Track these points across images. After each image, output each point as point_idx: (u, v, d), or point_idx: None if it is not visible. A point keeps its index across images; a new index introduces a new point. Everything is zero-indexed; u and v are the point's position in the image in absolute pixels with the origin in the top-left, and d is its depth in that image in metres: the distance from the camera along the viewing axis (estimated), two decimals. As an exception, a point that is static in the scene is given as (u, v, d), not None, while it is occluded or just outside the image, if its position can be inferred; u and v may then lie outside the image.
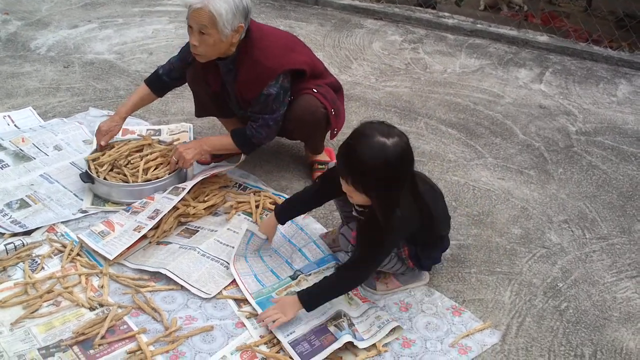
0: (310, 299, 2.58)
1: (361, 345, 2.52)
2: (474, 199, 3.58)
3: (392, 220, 2.44)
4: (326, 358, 2.47)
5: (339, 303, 2.69)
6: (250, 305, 2.74)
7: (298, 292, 2.60)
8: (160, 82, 3.54)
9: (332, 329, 2.57)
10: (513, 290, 2.93)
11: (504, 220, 3.41)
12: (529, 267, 3.08)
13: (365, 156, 2.35)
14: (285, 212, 2.91)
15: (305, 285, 2.80)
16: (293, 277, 2.88)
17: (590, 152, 4.10)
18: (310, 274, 2.89)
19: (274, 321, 2.55)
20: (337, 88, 3.54)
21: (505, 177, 3.80)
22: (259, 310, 2.67)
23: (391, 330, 2.61)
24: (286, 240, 3.11)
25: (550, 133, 4.33)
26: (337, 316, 2.62)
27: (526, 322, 2.76)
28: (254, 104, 3.27)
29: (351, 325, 2.60)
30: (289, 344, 2.51)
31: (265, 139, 3.37)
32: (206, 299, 2.77)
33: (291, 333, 2.56)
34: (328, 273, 2.87)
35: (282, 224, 2.93)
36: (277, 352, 2.52)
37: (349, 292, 2.76)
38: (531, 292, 2.93)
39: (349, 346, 2.54)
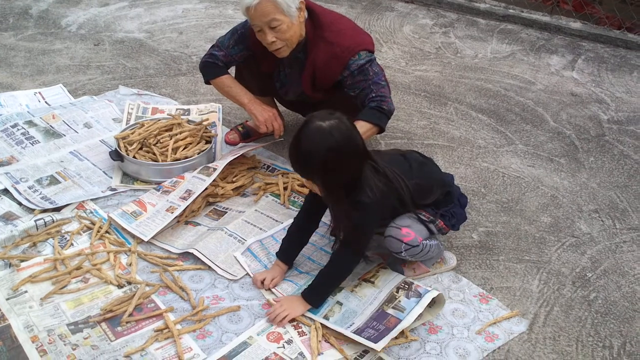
0: (313, 294, 2.61)
1: (427, 300, 2.53)
2: (504, 185, 3.55)
3: (362, 201, 2.46)
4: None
5: (389, 282, 2.70)
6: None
7: (302, 292, 2.61)
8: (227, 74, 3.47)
9: (390, 311, 2.55)
10: (541, 279, 2.91)
11: (534, 208, 3.38)
12: (557, 256, 3.06)
13: (303, 142, 2.40)
14: (287, 252, 2.84)
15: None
16: None
17: (622, 142, 4.05)
18: None
19: (284, 318, 2.56)
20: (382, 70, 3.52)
21: (536, 164, 3.76)
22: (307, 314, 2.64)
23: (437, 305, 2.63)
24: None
25: (581, 121, 4.28)
26: (391, 298, 2.61)
27: (554, 311, 2.73)
28: (351, 82, 3.23)
29: (410, 285, 2.63)
30: (354, 333, 2.49)
31: (391, 99, 3.30)
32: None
33: (351, 325, 2.54)
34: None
35: (290, 266, 2.86)
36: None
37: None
38: (560, 281, 2.90)
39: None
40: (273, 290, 2.74)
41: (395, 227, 2.66)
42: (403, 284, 2.65)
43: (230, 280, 2.78)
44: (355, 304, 2.63)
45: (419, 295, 2.57)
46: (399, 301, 2.58)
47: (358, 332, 2.49)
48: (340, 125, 2.40)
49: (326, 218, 2.91)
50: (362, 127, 3.10)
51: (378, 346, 2.39)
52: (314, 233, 2.92)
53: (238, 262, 2.87)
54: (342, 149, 2.39)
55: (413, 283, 2.65)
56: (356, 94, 3.24)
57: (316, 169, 2.41)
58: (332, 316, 2.60)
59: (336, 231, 2.67)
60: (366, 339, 2.44)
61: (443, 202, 2.79)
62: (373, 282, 2.72)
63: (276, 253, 2.84)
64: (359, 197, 2.46)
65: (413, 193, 2.62)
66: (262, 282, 2.75)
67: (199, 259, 2.86)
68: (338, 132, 2.37)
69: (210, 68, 3.43)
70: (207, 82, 3.50)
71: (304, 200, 2.88)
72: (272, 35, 3.06)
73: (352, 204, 2.47)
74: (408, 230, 2.65)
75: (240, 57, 3.40)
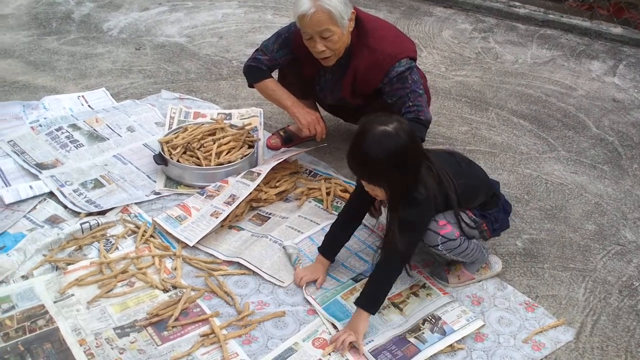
0: (369, 301, 2.54)
1: (451, 340, 2.52)
2: (547, 192, 3.52)
3: (415, 198, 2.43)
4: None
5: (417, 312, 2.66)
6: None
7: (355, 302, 2.55)
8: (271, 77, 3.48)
9: (412, 340, 2.53)
10: (587, 288, 2.88)
11: (578, 215, 3.35)
12: (603, 264, 3.03)
13: (370, 148, 2.33)
14: (330, 247, 2.85)
15: None
16: (355, 280, 2.84)
17: (666, 149, 4.01)
18: None
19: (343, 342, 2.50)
20: (423, 75, 3.51)
21: (579, 171, 3.73)
22: (330, 319, 2.63)
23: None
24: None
25: (624, 127, 4.23)
26: (416, 328, 2.58)
27: (601, 320, 2.71)
28: (389, 90, 3.21)
29: (438, 320, 2.59)
30: (370, 352, 2.47)
31: (428, 108, 3.28)
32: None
33: (370, 342, 2.52)
34: None
35: (332, 261, 2.86)
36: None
37: (426, 283, 2.80)
38: (606, 290, 2.87)
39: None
40: (308, 298, 2.74)
41: (433, 220, 2.61)
42: (430, 317, 2.63)
43: (277, 285, 2.79)
44: (379, 323, 2.61)
45: (444, 333, 2.55)
46: (423, 332, 2.56)
47: (375, 352, 2.48)
48: (404, 126, 2.38)
49: (367, 221, 2.98)
50: None
51: None
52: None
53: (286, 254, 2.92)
54: (409, 151, 2.38)
55: (440, 319, 2.61)
56: (393, 102, 3.22)
57: (386, 173, 2.37)
58: None
59: (387, 240, 2.66)
60: None
61: (489, 204, 2.77)
62: (401, 309, 2.69)
63: (318, 248, 2.85)
64: (413, 195, 2.44)
65: (461, 194, 2.61)
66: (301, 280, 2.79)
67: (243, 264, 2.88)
68: (404, 134, 2.35)
69: (254, 72, 3.44)
70: (251, 86, 3.52)
71: (349, 197, 2.89)
72: (323, 44, 3.06)
73: (405, 201, 2.45)
74: (445, 222, 2.61)
75: (285, 61, 3.41)
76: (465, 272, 2.84)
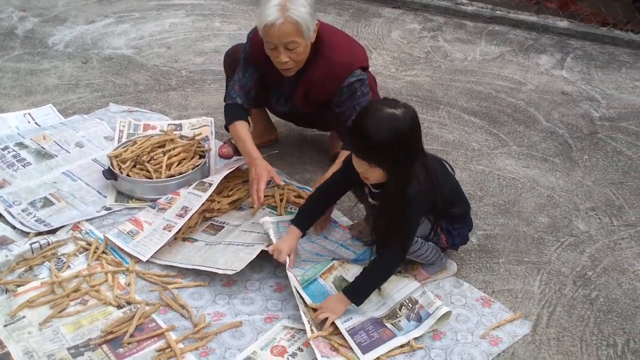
0: (357, 292, 2.57)
1: (425, 327, 2.54)
2: (500, 187, 3.54)
3: (408, 193, 2.45)
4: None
5: (394, 294, 2.68)
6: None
7: (343, 289, 2.57)
8: (245, 111, 3.35)
9: (389, 325, 2.56)
10: (542, 280, 2.90)
11: (531, 209, 3.38)
12: (557, 256, 3.05)
13: (377, 128, 2.37)
14: (303, 220, 2.85)
15: (349, 267, 2.79)
16: (333, 259, 2.86)
17: (615, 138, 4.05)
18: (351, 263, 2.87)
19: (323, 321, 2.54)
20: (373, 78, 3.50)
21: (530, 165, 3.76)
22: (308, 299, 2.63)
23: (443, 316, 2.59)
24: (314, 244, 3.08)
25: (573, 119, 4.28)
26: (393, 314, 2.60)
27: (557, 311, 2.73)
28: (338, 100, 3.20)
29: (415, 304, 2.62)
30: (347, 331, 2.50)
31: None
32: (233, 294, 2.78)
33: (348, 319, 2.55)
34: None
35: (304, 233, 2.85)
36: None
37: (401, 271, 2.81)
38: (560, 281, 2.90)
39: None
40: (289, 274, 2.71)
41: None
42: (407, 301, 2.64)
43: (231, 296, 2.77)
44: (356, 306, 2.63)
45: (420, 319, 2.57)
46: (399, 320, 2.58)
47: (352, 331, 2.50)
48: (411, 111, 2.43)
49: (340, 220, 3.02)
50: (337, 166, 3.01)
51: (365, 358, 2.43)
52: (327, 238, 3.06)
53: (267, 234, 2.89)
54: (412, 135, 2.43)
55: (417, 302, 2.63)
56: (340, 112, 3.22)
57: (389, 155, 2.39)
58: None
59: (376, 229, 2.66)
60: (357, 344, 2.46)
61: (459, 219, 2.80)
62: (379, 289, 2.69)
63: (291, 220, 2.85)
64: (407, 191, 2.46)
65: (444, 201, 2.64)
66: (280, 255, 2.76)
67: (198, 275, 2.84)
68: (410, 117, 2.40)
69: (230, 111, 3.35)
70: (226, 129, 3.45)
71: (332, 175, 2.88)
72: (287, 55, 3.01)
73: (401, 198, 2.47)
74: None
75: (255, 81, 3.32)
76: (422, 272, 2.85)
